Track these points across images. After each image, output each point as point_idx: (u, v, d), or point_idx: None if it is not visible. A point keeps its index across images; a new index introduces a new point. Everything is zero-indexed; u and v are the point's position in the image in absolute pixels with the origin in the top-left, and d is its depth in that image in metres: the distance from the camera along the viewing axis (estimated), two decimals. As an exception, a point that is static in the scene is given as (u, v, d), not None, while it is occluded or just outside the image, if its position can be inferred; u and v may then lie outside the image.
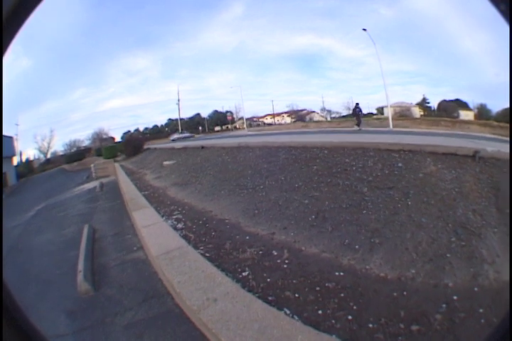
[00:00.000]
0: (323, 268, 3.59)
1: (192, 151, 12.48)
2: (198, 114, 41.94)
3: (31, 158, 30.31)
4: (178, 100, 35.24)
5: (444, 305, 2.89)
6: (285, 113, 40.89)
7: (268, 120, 41.67)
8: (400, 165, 5.39)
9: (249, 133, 26.28)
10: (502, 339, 0.97)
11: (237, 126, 39.17)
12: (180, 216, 6.06)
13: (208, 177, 8.33)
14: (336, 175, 5.63)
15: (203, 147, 11.95)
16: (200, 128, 39.34)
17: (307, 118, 39.15)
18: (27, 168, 27.84)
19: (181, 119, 37.74)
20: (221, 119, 41.16)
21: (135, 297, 3.76)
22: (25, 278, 4.88)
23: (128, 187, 10.21)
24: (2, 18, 0.92)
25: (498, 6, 1.01)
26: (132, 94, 49.14)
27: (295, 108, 40.15)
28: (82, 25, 45.72)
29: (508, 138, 10.06)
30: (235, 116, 40.83)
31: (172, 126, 38.89)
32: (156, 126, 41.19)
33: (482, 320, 2.65)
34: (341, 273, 3.47)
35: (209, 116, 42.36)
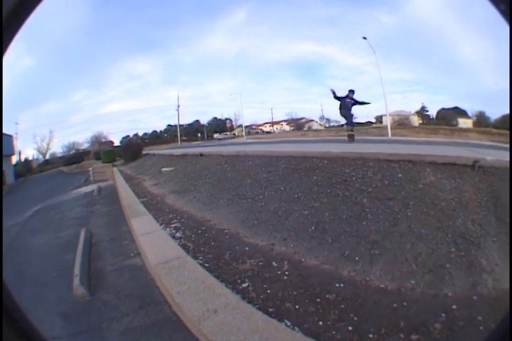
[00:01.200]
0: (323, 279, 3.58)
1: (191, 159, 12.47)
2: (198, 121, 42.20)
3: (30, 158, 30.47)
4: (178, 106, 35.30)
5: (443, 315, 2.90)
6: (284, 121, 41.13)
7: (267, 128, 41.87)
8: (399, 175, 5.39)
9: (249, 140, 26.46)
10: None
11: (236, 134, 39.31)
12: (178, 224, 6.03)
13: (206, 185, 8.30)
14: (335, 186, 5.62)
15: (201, 154, 11.96)
16: (199, 135, 39.45)
17: (306, 126, 39.33)
18: (25, 167, 27.98)
19: (180, 126, 37.80)
20: (220, 126, 41.34)
21: (132, 303, 3.75)
22: (22, 278, 4.87)
23: (126, 193, 10.18)
24: (2, 18, 0.93)
25: (498, 6, 1.03)
26: (132, 98, 49.47)
27: (294, 116, 40.44)
28: (84, 27, 46.29)
29: (507, 146, 10.08)
30: (234, 123, 41.04)
31: (171, 132, 38.92)
32: (155, 132, 41.34)
33: (481, 327, 2.67)
34: (341, 285, 3.46)
35: (208, 123, 42.64)
